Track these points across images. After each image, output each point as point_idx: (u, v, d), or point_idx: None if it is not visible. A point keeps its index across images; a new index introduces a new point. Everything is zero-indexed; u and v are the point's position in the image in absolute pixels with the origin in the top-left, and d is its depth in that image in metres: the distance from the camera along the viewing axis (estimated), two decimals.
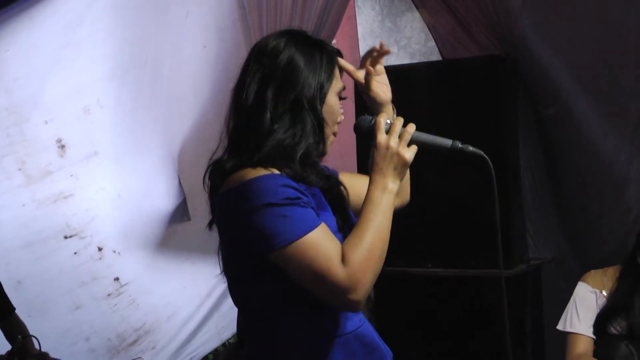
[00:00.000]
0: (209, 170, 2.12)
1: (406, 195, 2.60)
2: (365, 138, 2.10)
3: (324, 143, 2.13)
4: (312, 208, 1.98)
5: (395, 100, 4.03)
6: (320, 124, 2.09)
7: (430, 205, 4.13)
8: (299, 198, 1.94)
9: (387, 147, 2.01)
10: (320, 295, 1.95)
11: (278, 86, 2.07)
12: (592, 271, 3.55)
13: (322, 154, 2.15)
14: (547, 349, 4.38)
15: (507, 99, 4.21)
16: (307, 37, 2.19)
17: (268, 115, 2.04)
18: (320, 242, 1.91)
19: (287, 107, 2.06)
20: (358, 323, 2.14)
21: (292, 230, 1.90)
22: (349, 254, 1.90)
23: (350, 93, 2.50)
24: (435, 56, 5.25)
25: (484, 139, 4.31)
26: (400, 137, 2.02)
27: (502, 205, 4.05)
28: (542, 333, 4.40)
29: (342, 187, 2.21)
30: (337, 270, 1.88)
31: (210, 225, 2.14)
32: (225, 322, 5.13)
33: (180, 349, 5.09)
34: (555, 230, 4.42)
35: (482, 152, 2.08)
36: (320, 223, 1.94)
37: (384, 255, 1.97)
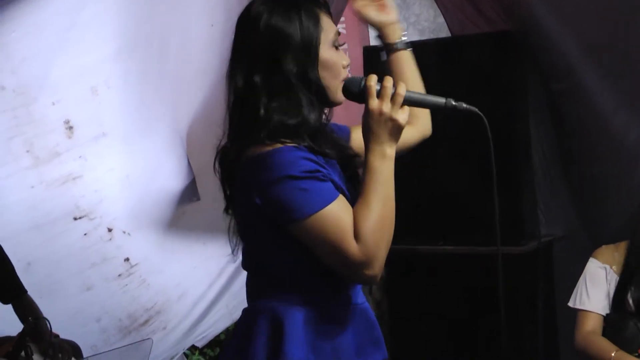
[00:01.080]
0: (217, 158, 2.11)
1: (427, 126, 2.54)
2: (354, 100, 2.07)
3: (331, 96, 2.10)
4: (332, 180, 1.97)
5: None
6: (319, 89, 2.06)
7: (441, 181, 4.12)
8: (318, 171, 1.94)
9: (380, 113, 1.97)
10: (337, 270, 1.96)
11: (265, 66, 2.04)
12: (604, 246, 3.54)
13: (335, 104, 2.13)
14: (559, 325, 4.38)
15: (516, 74, 4.18)
16: None
17: (262, 98, 2.02)
18: (336, 215, 1.91)
19: (280, 86, 2.03)
20: (363, 298, 2.17)
21: (310, 203, 1.90)
22: (360, 227, 1.90)
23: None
24: (445, 33, 5.22)
25: (494, 115, 4.31)
26: (392, 100, 1.98)
27: (512, 181, 4.07)
28: (554, 310, 4.39)
29: (356, 157, 2.18)
30: (352, 247, 1.89)
31: (226, 210, 2.13)
32: (236, 302, 5.15)
33: (192, 329, 5.12)
34: (566, 206, 4.40)
35: (477, 109, 2.06)
36: (338, 196, 1.94)
37: (393, 222, 1.98)
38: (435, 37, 5.64)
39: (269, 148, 1.95)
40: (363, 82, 2.03)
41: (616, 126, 4.02)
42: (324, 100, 2.09)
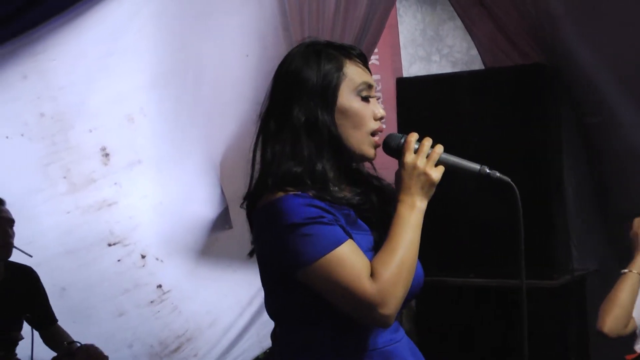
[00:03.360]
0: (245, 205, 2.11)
1: None
2: (394, 156, 2.04)
3: (352, 147, 2.03)
4: (341, 226, 1.92)
5: (438, 109, 4.03)
6: (333, 137, 2.00)
7: (472, 215, 4.10)
8: (321, 217, 1.88)
9: (414, 167, 1.96)
10: (350, 312, 1.90)
11: (280, 111, 2.01)
12: None
13: (360, 156, 2.06)
14: None
15: (550, 107, 4.16)
16: (310, 44, 2.10)
17: (273, 144, 1.98)
18: (346, 258, 1.86)
19: (288, 132, 1.98)
20: (391, 340, 2.06)
21: (315, 248, 1.86)
22: (379, 269, 1.86)
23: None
24: (477, 65, 5.22)
25: (527, 148, 4.30)
26: (428, 157, 1.97)
27: (544, 215, 4.04)
28: (586, 344, 4.34)
29: (375, 204, 2.11)
30: (366, 285, 1.84)
31: (250, 255, 2.09)
32: (266, 331, 5.11)
33: (222, 357, 5.10)
34: (599, 240, 4.36)
35: (509, 179, 2.03)
36: (347, 240, 1.89)
37: (413, 271, 1.92)
38: (468, 69, 5.63)
39: (273, 197, 1.91)
40: (403, 139, 2.02)
41: None
42: (341, 150, 2.03)
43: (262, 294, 5.49)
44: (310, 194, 1.91)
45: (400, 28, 6.46)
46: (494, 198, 4.10)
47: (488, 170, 2.00)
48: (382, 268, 1.86)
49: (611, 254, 4.33)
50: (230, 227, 4.91)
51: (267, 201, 1.92)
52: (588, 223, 4.34)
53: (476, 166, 2.02)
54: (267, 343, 5.14)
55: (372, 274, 1.86)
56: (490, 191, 4.11)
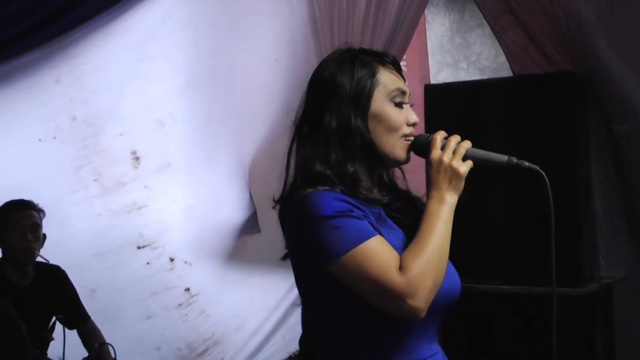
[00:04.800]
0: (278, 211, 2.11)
1: None
2: (422, 155, 2.03)
3: (384, 151, 2.02)
4: (370, 223, 1.92)
5: (465, 116, 4.02)
6: (366, 141, 2.01)
7: (498, 221, 4.07)
8: (351, 210, 1.89)
9: (440, 162, 1.96)
10: (379, 304, 1.89)
11: (313, 116, 2.01)
12: None
13: (393, 161, 2.06)
14: None
15: (578, 115, 4.13)
16: (344, 51, 2.09)
17: (306, 148, 1.99)
18: (376, 250, 1.86)
19: (321, 136, 1.99)
20: (425, 354, 2.03)
21: (346, 240, 1.86)
22: (407, 261, 1.86)
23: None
24: (505, 72, 5.19)
25: (555, 155, 4.27)
26: (454, 152, 1.97)
27: (572, 223, 4.00)
28: (613, 352, 4.29)
29: (405, 203, 2.12)
30: (395, 277, 1.84)
31: (283, 258, 2.08)
32: (292, 335, 5.11)
33: None
34: (627, 249, 4.31)
35: (538, 168, 2.03)
36: (376, 234, 1.89)
37: (444, 265, 1.92)
38: (495, 76, 5.60)
39: (303, 194, 1.92)
40: (430, 137, 2.02)
41: None
42: (373, 154, 2.03)
43: (289, 298, 5.53)
44: (339, 190, 1.92)
45: (428, 35, 6.45)
46: (520, 206, 4.10)
47: (516, 161, 1.99)
48: (411, 260, 1.86)
49: (638, 263, 4.29)
50: (259, 231, 4.94)
51: (297, 199, 1.93)
52: (615, 232, 4.30)
53: (504, 157, 2.01)
54: (294, 347, 5.14)
55: (401, 267, 1.85)
56: (517, 199, 4.11)
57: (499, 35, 4.54)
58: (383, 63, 2.05)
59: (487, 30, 5.43)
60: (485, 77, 6.28)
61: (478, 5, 4.56)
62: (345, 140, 1.97)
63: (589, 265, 4.20)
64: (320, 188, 1.90)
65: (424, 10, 4.90)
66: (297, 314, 5.17)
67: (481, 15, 4.66)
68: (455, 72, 6.64)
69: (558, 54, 4.30)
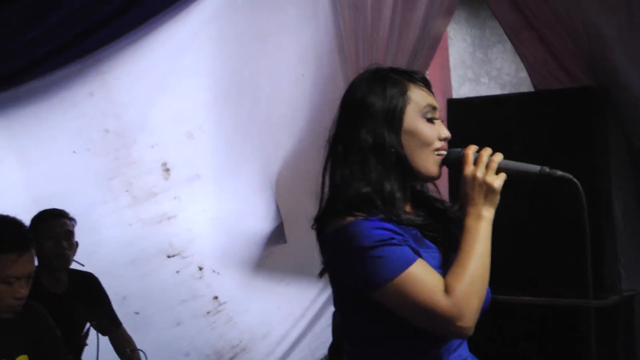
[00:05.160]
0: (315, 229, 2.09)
1: None
2: (454, 170, 2.04)
3: (418, 167, 2.02)
4: (409, 246, 1.92)
5: (487, 130, 4.00)
6: (400, 158, 2.00)
7: (520, 232, 4.05)
8: (392, 238, 1.89)
9: (474, 178, 1.95)
10: (428, 328, 1.90)
11: (347, 135, 2.02)
12: None
13: (426, 176, 2.06)
14: None
15: (598, 129, 4.11)
16: (374, 71, 2.10)
17: (341, 167, 1.99)
18: (419, 276, 1.86)
19: (356, 154, 1.99)
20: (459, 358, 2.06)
21: (389, 269, 1.86)
22: (452, 283, 1.85)
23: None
24: (525, 87, 5.19)
25: (575, 169, 4.23)
26: (487, 166, 1.96)
27: (593, 235, 3.96)
28: None
29: (439, 223, 2.09)
30: (442, 301, 1.84)
31: (320, 275, 2.09)
32: (318, 343, 5.14)
33: None
34: None
35: (571, 176, 2.01)
36: (418, 259, 1.89)
37: (487, 281, 1.92)
38: (516, 90, 5.59)
39: (343, 222, 1.92)
40: (462, 152, 2.02)
41: None
42: (407, 170, 2.03)
43: (314, 307, 5.52)
44: (379, 218, 1.91)
45: (450, 50, 6.47)
46: (543, 220, 4.08)
47: (549, 170, 1.98)
48: (456, 282, 1.86)
49: None
50: (285, 242, 4.93)
51: (337, 226, 1.93)
52: (636, 244, 4.26)
53: (536, 167, 1.99)
54: (319, 355, 5.15)
55: (446, 289, 1.85)
56: (538, 211, 4.08)
57: (520, 50, 4.53)
58: (413, 81, 2.05)
59: (508, 45, 5.44)
60: (506, 91, 6.30)
61: (499, 22, 4.56)
62: (380, 157, 1.98)
63: (610, 277, 4.17)
64: (360, 217, 1.90)
65: (446, 27, 4.90)
66: (322, 322, 5.19)
67: (502, 31, 4.65)
68: (477, 86, 6.64)
69: (579, 70, 4.28)
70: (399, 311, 1.88)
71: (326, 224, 1.97)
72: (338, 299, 2.05)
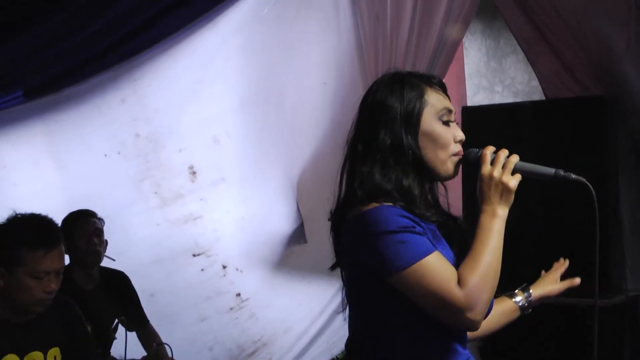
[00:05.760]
0: (330, 224, 2.10)
1: (488, 330, 2.43)
2: (472, 169, 2.05)
3: (435, 168, 2.03)
4: (428, 239, 1.93)
5: (501, 137, 3.99)
6: (417, 159, 2.01)
7: (530, 233, 4.05)
8: (414, 226, 1.91)
9: (491, 177, 1.97)
10: (438, 316, 1.91)
11: (366, 135, 2.04)
12: None
13: (443, 176, 2.06)
14: None
15: (607, 136, 4.11)
16: (393, 74, 2.10)
17: (361, 166, 2.01)
18: (436, 265, 1.88)
19: (376, 154, 2.00)
20: (463, 356, 2.05)
21: (409, 254, 1.87)
22: (465, 275, 1.87)
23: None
24: (537, 95, 5.18)
25: (585, 174, 4.23)
26: (503, 166, 1.97)
27: (600, 236, 3.96)
28: None
29: (457, 221, 2.12)
30: (455, 291, 1.85)
31: (332, 268, 2.11)
32: (336, 338, 5.14)
33: None
34: None
35: (584, 179, 2.02)
36: (435, 250, 1.91)
37: (498, 275, 1.92)
38: (528, 99, 5.58)
39: (367, 207, 1.93)
40: (480, 152, 2.03)
41: None
42: (425, 171, 2.04)
43: (332, 304, 5.49)
44: (400, 206, 1.93)
45: (466, 60, 6.46)
46: (553, 221, 4.07)
47: (563, 173, 1.99)
48: (469, 274, 1.88)
49: None
50: (305, 242, 4.94)
51: (361, 211, 1.94)
52: None
53: (551, 170, 2.00)
54: (337, 350, 5.15)
55: (459, 281, 1.87)
56: (544, 211, 4.08)
57: (533, 61, 4.53)
58: (430, 84, 2.06)
59: (521, 56, 5.43)
60: (519, 100, 6.27)
61: (513, 33, 4.56)
62: (398, 158, 1.99)
63: (616, 277, 4.16)
64: (385, 204, 1.92)
65: (463, 35, 4.90)
66: (340, 319, 5.15)
67: (515, 42, 4.66)
68: (491, 95, 6.63)
69: (589, 80, 4.28)
70: (412, 297, 1.90)
71: (347, 212, 1.98)
72: (353, 287, 2.04)
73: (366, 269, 1.94)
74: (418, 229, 1.91)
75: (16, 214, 2.91)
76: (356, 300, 2.05)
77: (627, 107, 4.07)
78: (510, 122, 4.36)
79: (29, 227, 2.86)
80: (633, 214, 4.29)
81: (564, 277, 2.53)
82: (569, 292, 3.98)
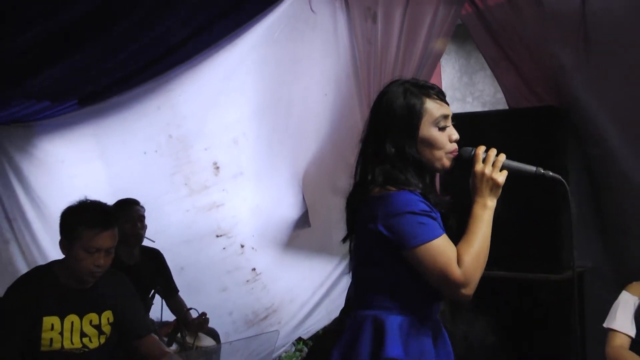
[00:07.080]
0: (346, 203, 2.13)
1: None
2: (465, 165, 2.08)
3: (432, 166, 2.06)
4: (438, 223, 1.99)
5: (471, 141, 4.04)
6: (416, 162, 2.03)
7: (497, 220, 4.10)
8: (431, 211, 1.97)
9: (483, 174, 2.01)
10: (439, 288, 1.96)
11: (375, 140, 2.06)
12: (635, 282, 3.45)
13: (440, 170, 2.09)
14: (587, 345, 4.25)
15: (560, 140, 4.13)
16: (400, 84, 2.10)
17: (372, 165, 2.04)
18: (443, 246, 1.93)
19: (385, 156, 2.03)
20: (437, 314, 2.13)
21: (426, 234, 1.91)
22: (463, 257, 1.92)
23: None
24: (502, 105, 5.19)
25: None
26: (493, 164, 2.03)
27: (553, 222, 3.98)
28: (584, 326, 4.28)
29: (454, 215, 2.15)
30: (455, 270, 1.90)
31: (344, 240, 2.13)
32: (333, 307, 5.17)
33: (299, 325, 5.18)
34: (594, 244, 4.31)
35: (560, 177, 2.08)
36: (444, 233, 1.96)
37: (487, 256, 1.98)
38: (494, 108, 5.57)
39: (393, 190, 1.96)
40: (473, 151, 2.07)
41: (639, 183, 3.95)
42: (424, 169, 2.07)
43: (331, 278, 5.46)
44: (419, 193, 1.97)
45: (442, 75, 6.49)
46: (517, 210, 4.11)
47: (542, 171, 2.05)
48: (465, 256, 1.92)
49: (603, 257, 4.28)
50: (309, 226, 4.94)
51: (384, 192, 1.97)
52: (586, 230, 4.30)
53: (532, 168, 2.07)
54: (334, 315, 5.09)
55: (458, 261, 1.91)
56: (515, 205, 4.11)
57: (498, 76, 4.54)
58: (429, 95, 2.08)
59: (489, 72, 5.43)
60: (486, 109, 6.29)
61: (482, 53, 4.58)
62: (402, 161, 2.03)
63: (566, 255, 4.20)
64: (405, 189, 1.96)
65: (440, 57, 4.93)
66: (337, 290, 5.21)
67: (484, 61, 4.68)
68: (463, 105, 6.67)
69: (545, 92, 4.30)
70: (420, 269, 1.94)
71: (367, 193, 2.00)
72: (364, 252, 2.04)
73: (382, 238, 1.96)
74: (433, 214, 1.96)
75: (85, 199, 2.92)
76: (367, 261, 2.06)
77: (576, 115, 4.11)
78: (479, 128, 4.38)
79: (89, 209, 2.88)
80: (581, 204, 4.33)
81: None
82: (524, 267, 4.02)
